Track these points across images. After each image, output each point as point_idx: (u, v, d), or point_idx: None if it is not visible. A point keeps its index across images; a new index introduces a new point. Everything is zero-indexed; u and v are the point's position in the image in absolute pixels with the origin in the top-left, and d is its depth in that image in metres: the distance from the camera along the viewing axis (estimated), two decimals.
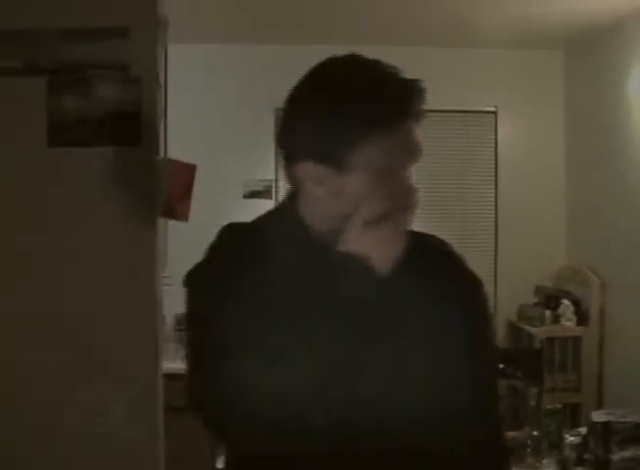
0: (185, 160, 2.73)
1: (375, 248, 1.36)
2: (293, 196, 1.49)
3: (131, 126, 2.51)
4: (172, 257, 3.74)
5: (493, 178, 5.83)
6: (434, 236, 1.58)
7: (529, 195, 5.75)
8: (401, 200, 1.39)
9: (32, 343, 2.57)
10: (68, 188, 2.56)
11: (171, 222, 2.89)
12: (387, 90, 1.36)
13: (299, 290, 1.39)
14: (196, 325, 1.50)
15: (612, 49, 5.06)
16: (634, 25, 4.71)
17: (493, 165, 5.82)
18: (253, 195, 5.50)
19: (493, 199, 5.83)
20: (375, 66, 1.40)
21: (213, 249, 1.53)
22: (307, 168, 1.38)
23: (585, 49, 5.46)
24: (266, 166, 5.49)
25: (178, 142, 3.97)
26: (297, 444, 1.36)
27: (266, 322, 1.37)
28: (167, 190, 2.60)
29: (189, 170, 2.69)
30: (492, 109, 5.79)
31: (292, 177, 1.44)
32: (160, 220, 2.69)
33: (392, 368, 1.37)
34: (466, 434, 1.41)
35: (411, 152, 1.39)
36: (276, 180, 5.52)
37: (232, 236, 1.54)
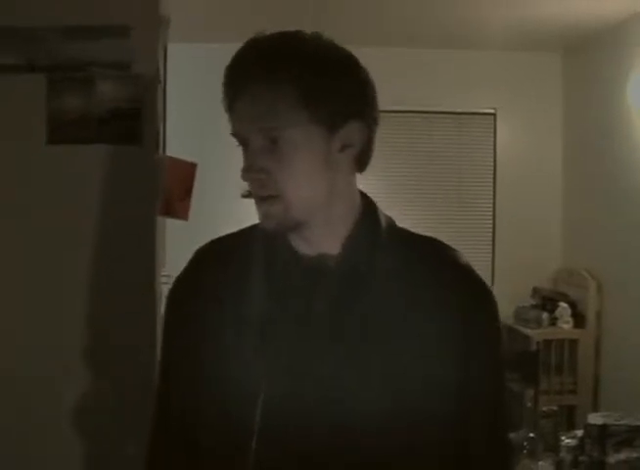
0: (184, 158, 2.72)
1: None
2: None
3: (131, 124, 2.51)
4: (170, 255, 3.73)
5: (491, 180, 5.84)
6: (433, 241, 1.45)
7: (527, 197, 5.76)
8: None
9: (28, 340, 2.56)
10: (67, 186, 2.55)
11: (170, 221, 2.88)
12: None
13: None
14: (164, 337, 1.53)
15: (610, 52, 5.07)
16: (632, 29, 4.72)
17: (492, 167, 5.83)
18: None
19: (491, 200, 5.84)
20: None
21: (194, 262, 1.52)
22: None
23: (584, 52, 5.47)
24: None
25: (177, 141, 3.97)
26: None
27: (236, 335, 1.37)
28: (167, 188, 2.60)
29: (190, 169, 2.68)
30: (491, 111, 5.80)
31: None
32: (160, 219, 2.68)
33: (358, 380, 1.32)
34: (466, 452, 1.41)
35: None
36: None
37: (214, 248, 1.53)
